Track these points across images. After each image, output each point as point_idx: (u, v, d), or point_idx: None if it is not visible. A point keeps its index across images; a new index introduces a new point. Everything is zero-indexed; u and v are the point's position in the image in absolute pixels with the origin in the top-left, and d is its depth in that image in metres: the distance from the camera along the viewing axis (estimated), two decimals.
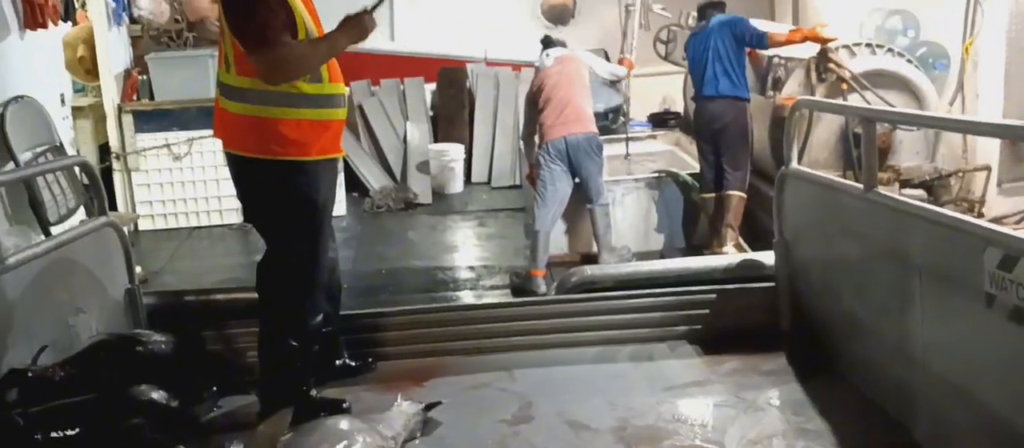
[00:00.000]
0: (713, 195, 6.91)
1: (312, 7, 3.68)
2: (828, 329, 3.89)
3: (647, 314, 4.36)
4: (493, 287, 6.82)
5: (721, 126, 6.72)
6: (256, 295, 3.79)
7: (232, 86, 3.55)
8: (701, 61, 6.81)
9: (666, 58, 8.90)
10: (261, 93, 3.48)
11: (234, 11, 3.49)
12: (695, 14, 7.33)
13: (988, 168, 6.40)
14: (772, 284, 4.32)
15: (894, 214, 3.27)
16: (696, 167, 7.98)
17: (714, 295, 4.37)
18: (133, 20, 8.92)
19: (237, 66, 3.50)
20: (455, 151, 9.70)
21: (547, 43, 7.11)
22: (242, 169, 3.65)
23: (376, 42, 11.36)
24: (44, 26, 6.19)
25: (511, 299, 6.35)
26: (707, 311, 4.32)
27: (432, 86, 10.36)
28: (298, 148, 3.54)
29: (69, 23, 8.05)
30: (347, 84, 3.84)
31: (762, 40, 6.64)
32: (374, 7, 3.69)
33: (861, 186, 3.52)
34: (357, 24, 3.59)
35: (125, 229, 4.33)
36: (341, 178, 8.68)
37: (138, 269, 4.55)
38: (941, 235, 2.95)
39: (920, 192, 6.22)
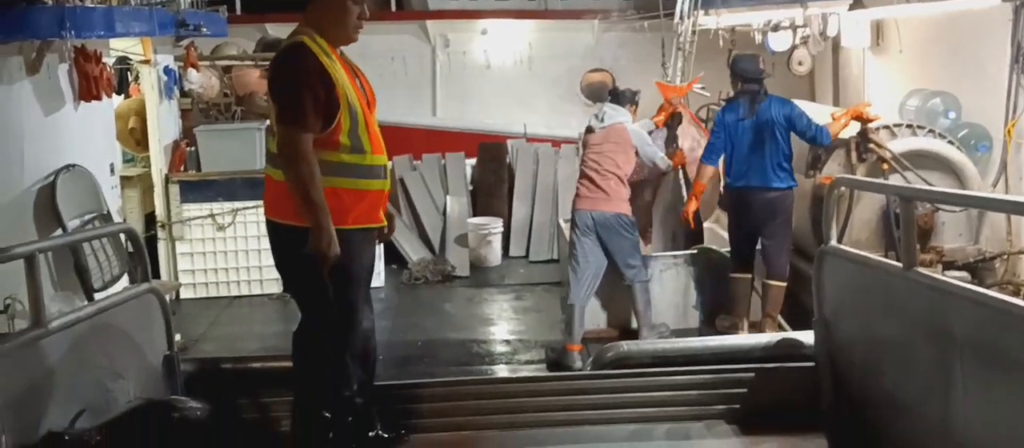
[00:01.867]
0: (748, 275, 6.71)
1: (351, 75, 3.78)
2: (869, 409, 3.80)
3: (684, 392, 4.30)
4: (528, 361, 6.79)
5: (772, 215, 6.49)
6: (290, 364, 3.83)
7: (274, 154, 3.66)
8: (753, 149, 6.45)
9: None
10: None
11: (277, 81, 3.62)
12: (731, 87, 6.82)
13: None
14: (812, 364, 4.25)
15: (934, 293, 3.22)
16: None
17: (752, 374, 4.31)
18: (184, 94, 9.17)
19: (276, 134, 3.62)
20: (494, 225, 9.75)
21: (613, 96, 6.98)
22: (279, 236, 3.73)
23: (419, 118, 11.67)
24: (98, 98, 6.39)
25: (546, 373, 6.31)
26: (745, 390, 4.26)
27: (472, 161, 10.49)
28: (333, 216, 3.60)
29: (122, 95, 8.33)
30: (390, 158, 3.93)
31: (825, 136, 6.43)
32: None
33: (900, 265, 3.48)
34: (327, 248, 3.57)
35: (167, 297, 4.40)
36: (380, 249, 8.81)
37: (177, 336, 4.61)
38: (981, 314, 2.90)
39: (964, 274, 6.10)
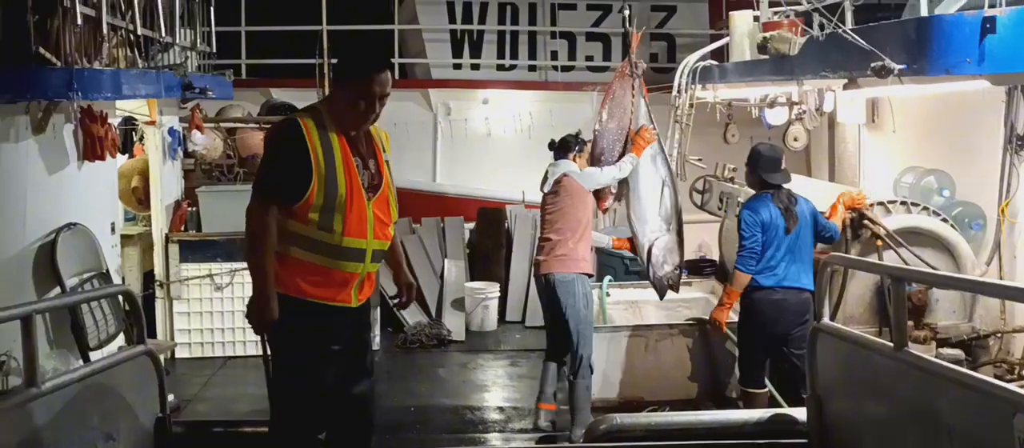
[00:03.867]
0: (766, 391, 6.09)
1: (361, 155, 3.87)
2: None
3: None
4: (522, 430, 6.75)
5: (806, 316, 5.85)
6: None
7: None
8: (795, 251, 5.92)
9: (702, 207, 9.00)
10: (281, 227, 3.75)
11: (264, 149, 3.92)
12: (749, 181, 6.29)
13: None
14: (804, 441, 4.25)
15: (924, 375, 3.24)
16: (732, 316, 7.90)
17: None
18: (187, 154, 9.27)
19: None
20: (490, 289, 9.77)
21: (557, 149, 6.53)
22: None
23: (419, 182, 11.77)
24: (102, 158, 6.45)
25: (539, 444, 6.27)
26: None
27: (471, 225, 10.55)
28: (288, 287, 3.77)
29: (126, 155, 8.42)
30: None
31: (837, 233, 6.21)
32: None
33: (891, 345, 3.51)
34: (260, 314, 3.78)
35: (161, 356, 4.41)
36: (376, 312, 8.84)
37: (170, 397, 4.61)
38: (970, 399, 2.91)
39: (957, 352, 6.11)
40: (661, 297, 6.88)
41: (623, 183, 6.67)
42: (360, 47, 4.14)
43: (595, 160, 6.67)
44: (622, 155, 6.62)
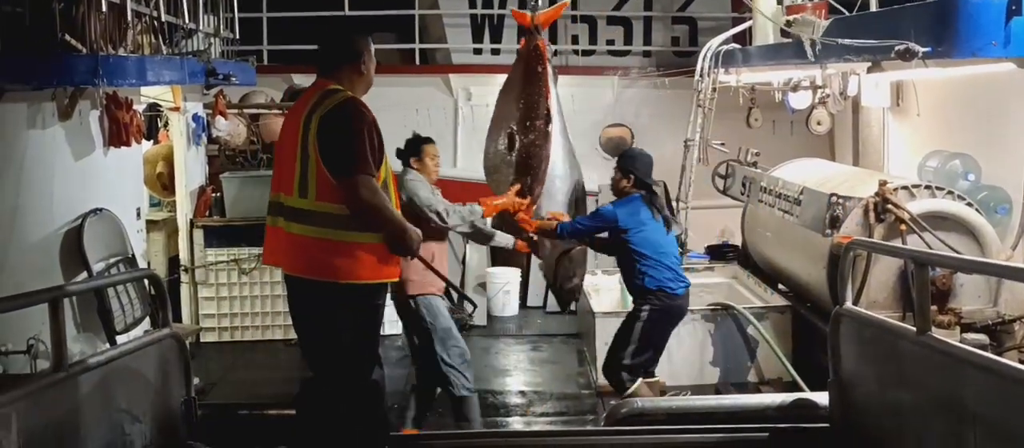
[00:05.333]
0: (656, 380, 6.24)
1: None
2: None
3: None
4: (543, 414, 6.78)
5: None
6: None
7: (310, 211, 3.71)
8: (675, 254, 6.11)
9: (724, 192, 8.97)
10: (341, 217, 3.66)
11: (344, 134, 3.69)
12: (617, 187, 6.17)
13: None
14: (827, 425, 4.24)
15: (947, 360, 3.23)
16: (753, 301, 7.93)
17: (767, 434, 4.30)
18: (211, 140, 9.34)
19: (318, 191, 3.68)
20: (512, 275, 9.79)
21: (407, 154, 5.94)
22: (310, 293, 3.78)
23: (440, 168, 11.77)
24: (127, 144, 6.52)
25: (560, 428, 6.30)
26: None
27: None
28: (371, 270, 3.70)
29: (151, 141, 8.49)
30: None
31: None
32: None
33: (914, 330, 3.49)
34: (410, 240, 3.76)
35: (187, 340, 4.46)
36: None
37: (196, 380, 4.66)
38: (994, 383, 2.90)
39: (982, 337, 6.04)
40: (564, 310, 6.66)
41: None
42: (340, 28, 4.17)
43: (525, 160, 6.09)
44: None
